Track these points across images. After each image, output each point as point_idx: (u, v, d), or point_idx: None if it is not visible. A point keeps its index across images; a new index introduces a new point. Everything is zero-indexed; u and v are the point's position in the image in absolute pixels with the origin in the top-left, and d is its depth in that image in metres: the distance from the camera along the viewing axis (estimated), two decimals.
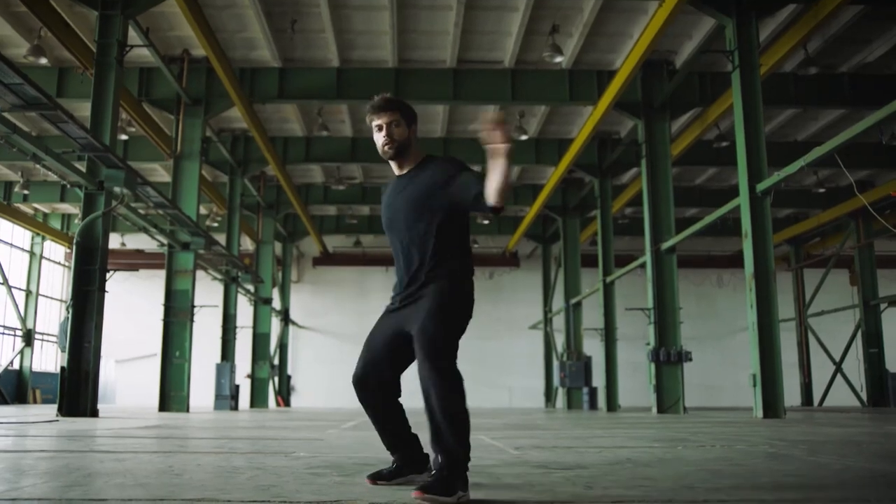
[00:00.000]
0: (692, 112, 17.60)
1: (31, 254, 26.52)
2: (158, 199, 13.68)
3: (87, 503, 2.40)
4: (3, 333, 24.73)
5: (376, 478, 2.95)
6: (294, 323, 30.16)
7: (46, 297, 27.94)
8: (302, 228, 27.98)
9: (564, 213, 24.41)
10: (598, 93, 16.18)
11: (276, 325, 27.33)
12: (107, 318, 12.05)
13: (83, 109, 13.86)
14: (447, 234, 2.86)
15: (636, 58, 13.56)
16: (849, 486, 2.89)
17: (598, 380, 21.59)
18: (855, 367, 23.86)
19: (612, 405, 19.71)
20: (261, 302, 23.77)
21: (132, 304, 27.41)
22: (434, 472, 2.66)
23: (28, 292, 25.96)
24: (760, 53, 12.80)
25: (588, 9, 13.87)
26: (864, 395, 23.76)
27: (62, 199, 23.64)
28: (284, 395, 28.05)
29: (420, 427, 2.91)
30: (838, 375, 24.43)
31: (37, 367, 25.87)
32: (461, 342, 2.83)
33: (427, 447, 2.83)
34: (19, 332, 25.04)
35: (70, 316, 11.32)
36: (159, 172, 22.42)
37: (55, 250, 28.67)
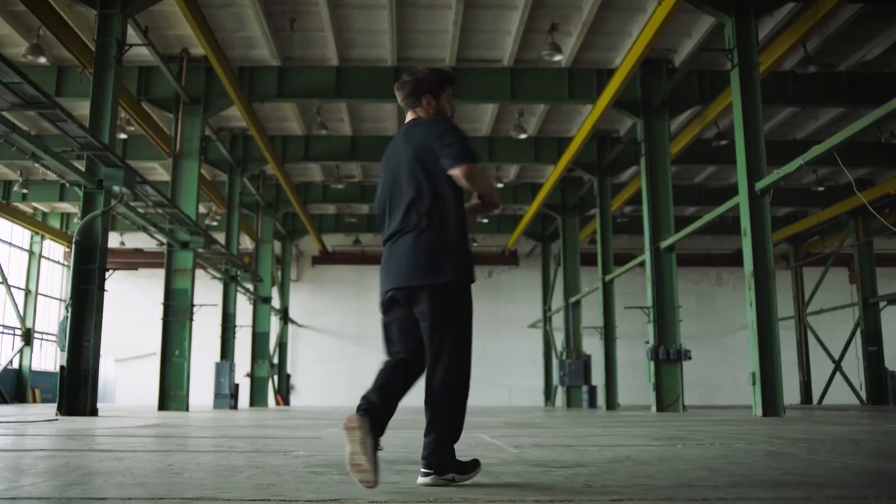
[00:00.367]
0: (691, 110, 17.60)
1: (31, 253, 26.50)
2: (158, 198, 13.69)
3: (87, 502, 2.40)
4: (3, 333, 24.73)
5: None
6: (293, 322, 30.15)
7: (46, 296, 27.94)
8: (301, 227, 27.98)
9: (564, 212, 24.43)
10: (597, 91, 16.19)
11: (275, 323, 27.33)
12: (106, 318, 12.05)
13: (82, 108, 13.85)
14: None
15: (635, 56, 13.56)
16: (847, 484, 2.89)
17: (598, 378, 21.61)
18: (854, 365, 23.85)
19: (611, 404, 19.73)
20: (260, 301, 23.77)
21: (131, 303, 27.41)
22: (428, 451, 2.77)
23: (27, 291, 25.96)
24: (759, 52, 12.80)
25: (587, 7, 13.87)
26: (863, 394, 23.75)
27: (61, 199, 23.66)
28: (284, 393, 28.03)
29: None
30: (837, 374, 24.43)
31: (36, 367, 25.88)
32: None
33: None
34: (18, 332, 25.04)
35: (69, 315, 11.32)
36: (158, 171, 22.42)
37: (54, 249, 28.66)
